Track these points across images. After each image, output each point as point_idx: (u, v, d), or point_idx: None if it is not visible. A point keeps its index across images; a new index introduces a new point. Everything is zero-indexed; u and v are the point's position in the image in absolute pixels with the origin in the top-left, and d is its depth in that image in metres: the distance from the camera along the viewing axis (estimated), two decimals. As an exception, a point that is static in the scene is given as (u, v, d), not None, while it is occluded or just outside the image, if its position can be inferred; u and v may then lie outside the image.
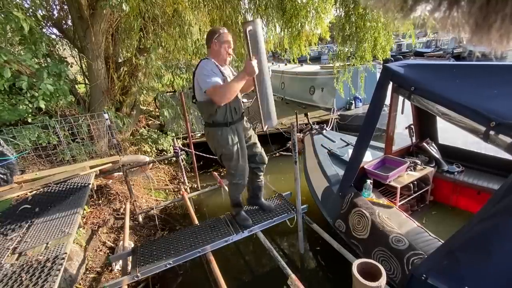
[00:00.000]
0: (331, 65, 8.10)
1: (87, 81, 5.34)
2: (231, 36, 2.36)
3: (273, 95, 2.67)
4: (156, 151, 5.64)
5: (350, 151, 3.28)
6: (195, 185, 5.18)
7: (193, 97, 2.43)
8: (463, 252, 1.71)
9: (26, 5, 4.06)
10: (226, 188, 4.29)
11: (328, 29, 7.73)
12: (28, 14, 3.66)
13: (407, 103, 2.71)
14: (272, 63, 13.63)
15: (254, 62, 2.04)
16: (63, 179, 3.29)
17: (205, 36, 4.83)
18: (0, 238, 2.40)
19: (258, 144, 2.81)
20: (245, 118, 2.66)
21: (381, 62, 6.80)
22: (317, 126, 4.37)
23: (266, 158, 2.88)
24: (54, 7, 5.15)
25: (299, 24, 6.43)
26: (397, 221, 2.44)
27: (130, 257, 2.65)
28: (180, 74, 5.14)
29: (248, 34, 1.95)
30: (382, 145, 3.57)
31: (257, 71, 2.07)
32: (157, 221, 3.99)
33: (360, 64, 6.87)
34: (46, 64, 3.94)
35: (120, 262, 2.97)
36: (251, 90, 2.48)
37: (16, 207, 2.84)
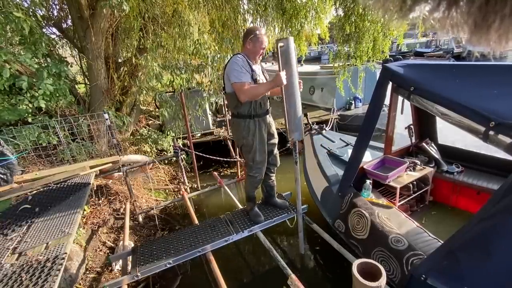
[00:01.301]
0: (331, 65, 8.11)
1: (87, 81, 5.34)
2: (266, 37, 2.48)
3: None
4: (156, 151, 5.64)
5: (350, 151, 3.29)
6: (195, 185, 5.19)
7: (223, 88, 2.57)
8: (463, 252, 1.71)
9: (26, 4, 4.06)
10: (226, 188, 4.30)
11: (328, 29, 7.74)
12: (28, 14, 3.66)
13: (407, 103, 2.71)
14: (272, 63, 13.67)
15: (283, 74, 2.21)
16: (63, 179, 3.29)
17: (205, 36, 4.86)
18: (0, 238, 2.40)
19: (276, 147, 2.87)
20: (270, 114, 2.72)
21: (381, 61, 6.80)
22: (316, 126, 4.37)
23: (279, 161, 2.95)
24: (54, 7, 5.16)
25: (299, 24, 6.42)
26: (396, 221, 2.44)
27: (130, 257, 2.65)
28: (179, 74, 5.14)
29: (279, 49, 2.19)
30: (382, 145, 3.57)
31: (285, 82, 2.23)
32: (157, 221, 4.00)
33: (361, 64, 6.87)
34: (46, 64, 3.94)
35: (120, 262, 2.97)
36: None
37: (16, 207, 2.83)
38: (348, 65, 6.98)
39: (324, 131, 4.26)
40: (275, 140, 2.83)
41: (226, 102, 2.70)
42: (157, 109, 7.18)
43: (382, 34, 6.39)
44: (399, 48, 23.56)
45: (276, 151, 2.88)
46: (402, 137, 3.96)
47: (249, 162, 2.69)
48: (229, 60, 2.44)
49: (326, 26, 7.57)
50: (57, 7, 5.15)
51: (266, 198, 3.19)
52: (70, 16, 4.76)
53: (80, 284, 2.65)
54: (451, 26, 0.44)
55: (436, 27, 0.46)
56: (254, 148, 2.58)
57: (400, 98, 2.69)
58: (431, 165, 3.19)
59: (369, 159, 3.40)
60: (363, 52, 6.44)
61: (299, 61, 9.78)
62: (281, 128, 6.76)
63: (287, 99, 2.33)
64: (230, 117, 2.73)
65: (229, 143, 6.20)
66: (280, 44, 2.19)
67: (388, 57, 6.64)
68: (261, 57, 2.54)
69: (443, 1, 0.43)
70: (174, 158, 5.17)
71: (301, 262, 3.37)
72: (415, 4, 0.47)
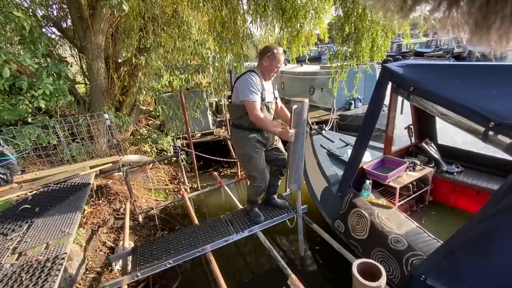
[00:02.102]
0: (329, 65, 8.10)
1: (87, 81, 5.34)
2: (282, 56, 2.51)
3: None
4: (156, 151, 5.64)
5: (349, 151, 3.28)
6: (195, 185, 5.19)
7: (229, 97, 2.61)
8: (463, 252, 1.70)
9: (26, 4, 4.06)
10: (226, 188, 4.30)
11: (327, 30, 7.75)
12: (28, 14, 3.66)
13: (407, 103, 2.71)
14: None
15: (292, 132, 2.34)
16: (63, 179, 3.29)
17: (205, 36, 4.87)
18: (0, 238, 2.40)
19: (282, 149, 2.87)
20: None
21: (380, 61, 6.80)
22: (316, 126, 4.37)
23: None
24: (54, 7, 5.15)
25: (298, 25, 6.44)
26: (396, 222, 2.44)
27: (130, 257, 2.65)
28: (178, 74, 5.14)
29: (293, 111, 2.32)
30: (382, 145, 3.57)
31: (291, 139, 2.36)
32: (157, 221, 4.00)
33: (357, 65, 6.87)
34: (46, 64, 3.94)
35: (120, 262, 2.97)
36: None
37: (16, 207, 2.83)
38: (346, 65, 6.97)
39: (323, 131, 4.25)
40: (278, 143, 2.84)
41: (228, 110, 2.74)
42: (159, 113, 7.19)
43: (382, 34, 6.38)
44: (400, 48, 23.65)
45: (283, 153, 2.87)
46: (402, 137, 3.96)
47: (251, 173, 2.69)
48: (242, 75, 2.47)
49: (326, 27, 7.59)
50: (57, 6, 5.16)
51: (266, 199, 3.19)
52: (70, 16, 4.76)
53: (80, 284, 2.65)
54: (451, 26, 0.44)
55: (436, 27, 0.46)
56: (254, 158, 2.59)
57: (399, 98, 2.69)
58: (430, 165, 3.19)
59: (368, 159, 3.40)
60: (361, 52, 6.44)
61: (302, 61, 9.76)
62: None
63: (292, 153, 2.44)
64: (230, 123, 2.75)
65: (229, 143, 6.20)
66: (295, 106, 2.31)
67: (385, 57, 6.65)
68: (275, 75, 2.58)
69: (444, 1, 0.44)
70: (174, 158, 5.17)
71: (301, 262, 3.37)
72: (416, 4, 0.47)
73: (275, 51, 2.42)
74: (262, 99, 2.45)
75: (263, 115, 2.39)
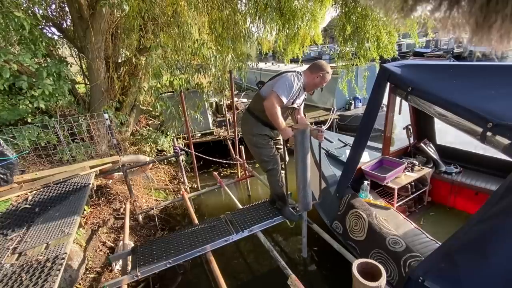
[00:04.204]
0: (331, 64, 8.10)
1: (87, 81, 5.33)
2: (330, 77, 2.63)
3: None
4: (156, 151, 5.63)
5: (348, 151, 3.28)
6: (195, 185, 5.19)
7: (262, 83, 2.69)
8: (461, 254, 1.69)
9: (25, 4, 4.06)
10: (226, 188, 4.30)
11: (324, 32, 7.87)
12: (27, 13, 3.66)
13: (405, 104, 2.71)
14: (272, 63, 13.73)
15: (289, 130, 2.42)
16: (63, 179, 3.29)
17: (205, 37, 4.87)
18: (0, 238, 2.40)
19: (281, 142, 2.96)
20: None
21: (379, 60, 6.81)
22: (314, 126, 4.35)
23: (287, 157, 2.98)
24: (53, 6, 5.15)
25: (295, 26, 6.49)
26: (394, 223, 2.43)
27: (130, 256, 2.65)
28: (179, 74, 5.13)
29: (294, 137, 2.39)
30: (380, 146, 3.57)
31: (286, 138, 2.48)
32: (157, 221, 3.99)
33: (362, 63, 6.86)
34: (46, 64, 3.94)
35: (120, 261, 2.97)
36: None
37: (16, 207, 2.83)
38: (352, 65, 6.96)
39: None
40: (279, 142, 2.93)
41: (254, 101, 2.81)
42: (157, 109, 7.16)
43: (386, 32, 6.38)
44: (400, 48, 23.66)
45: (282, 148, 2.94)
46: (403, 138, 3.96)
47: (262, 158, 2.78)
48: (288, 73, 2.53)
49: (320, 31, 7.73)
50: (57, 7, 5.15)
51: (271, 200, 3.19)
52: (70, 16, 4.76)
53: (80, 284, 2.64)
54: (452, 26, 0.45)
55: (437, 27, 0.47)
56: (263, 145, 2.70)
57: (398, 99, 2.69)
58: (429, 166, 3.19)
59: (367, 159, 3.40)
60: (367, 51, 6.44)
61: (297, 61, 9.79)
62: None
63: (298, 175, 2.49)
64: (243, 111, 2.83)
65: (229, 143, 6.19)
66: (297, 133, 2.38)
67: (395, 55, 6.65)
68: (314, 91, 2.74)
69: (445, 1, 0.44)
70: (174, 158, 5.16)
71: (301, 262, 3.37)
72: (417, 3, 0.47)
73: (328, 71, 2.54)
74: (292, 103, 2.55)
75: (277, 109, 2.41)
